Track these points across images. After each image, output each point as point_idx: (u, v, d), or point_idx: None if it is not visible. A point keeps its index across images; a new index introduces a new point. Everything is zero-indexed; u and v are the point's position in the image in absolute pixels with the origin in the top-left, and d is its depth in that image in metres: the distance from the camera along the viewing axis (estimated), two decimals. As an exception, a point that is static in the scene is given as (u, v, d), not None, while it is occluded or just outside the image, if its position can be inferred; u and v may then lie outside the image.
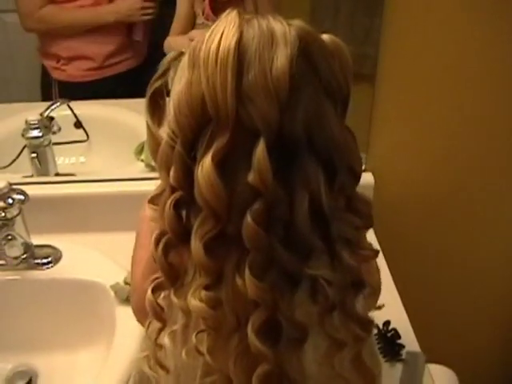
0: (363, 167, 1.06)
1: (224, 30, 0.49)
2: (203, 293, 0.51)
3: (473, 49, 0.97)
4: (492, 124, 1.03)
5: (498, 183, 1.09)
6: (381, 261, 0.95)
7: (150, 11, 1.16)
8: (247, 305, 0.50)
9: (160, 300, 0.55)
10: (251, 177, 0.48)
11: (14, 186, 0.94)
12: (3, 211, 0.92)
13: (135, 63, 1.22)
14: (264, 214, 0.49)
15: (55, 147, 1.12)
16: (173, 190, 0.53)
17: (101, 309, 0.95)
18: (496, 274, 1.18)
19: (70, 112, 1.15)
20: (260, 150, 0.47)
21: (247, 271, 0.49)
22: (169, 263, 0.54)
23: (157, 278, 0.56)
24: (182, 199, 0.52)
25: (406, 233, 1.11)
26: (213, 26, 0.50)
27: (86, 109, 1.18)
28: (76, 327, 0.97)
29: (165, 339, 0.56)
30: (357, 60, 0.99)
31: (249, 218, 0.48)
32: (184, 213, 0.53)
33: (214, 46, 0.48)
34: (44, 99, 1.21)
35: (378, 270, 0.71)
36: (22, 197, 0.93)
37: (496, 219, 1.12)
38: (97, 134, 1.20)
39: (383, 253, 0.94)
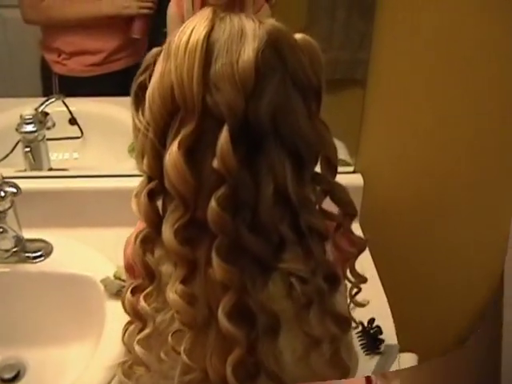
0: (352, 169, 1.08)
1: (196, 24, 0.51)
2: (180, 287, 0.52)
3: (463, 55, 0.98)
4: (478, 129, 1.04)
5: (483, 186, 1.10)
6: (368, 259, 0.97)
7: (147, 5, 1.15)
8: (218, 291, 0.51)
9: (141, 303, 0.55)
10: (215, 162, 0.49)
11: (7, 180, 0.94)
12: (-5, 204, 0.92)
13: (136, 61, 1.21)
14: (228, 198, 0.50)
15: (49, 143, 1.13)
16: (149, 180, 0.54)
17: (91, 303, 0.95)
18: (480, 272, 1.19)
19: (65, 108, 1.15)
20: (223, 136, 0.49)
21: (214, 254, 0.50)
22: (146, 260, 0.54)
23: (136, 280, 0.56)
24: (156, 188, 0.53)
25: (394, 233, 1.12)
26: (187, 21, 0.52)
27: (81, 105, 1.19)
28: (66, 321, 0.97)
29: (140, 342, 0.56)
30: (351, 66, 1.01)
31: (213, 203, 0.49)
32: (160, 204, 0.54)
33: (185, 38, 0.50)
34: (44, 93, 1.20)
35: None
36: (14, 189, 0.93)
37: (480, 220, 1.14)
38: (91, 131, 1.20)
39: (371, 252, 0.96)
